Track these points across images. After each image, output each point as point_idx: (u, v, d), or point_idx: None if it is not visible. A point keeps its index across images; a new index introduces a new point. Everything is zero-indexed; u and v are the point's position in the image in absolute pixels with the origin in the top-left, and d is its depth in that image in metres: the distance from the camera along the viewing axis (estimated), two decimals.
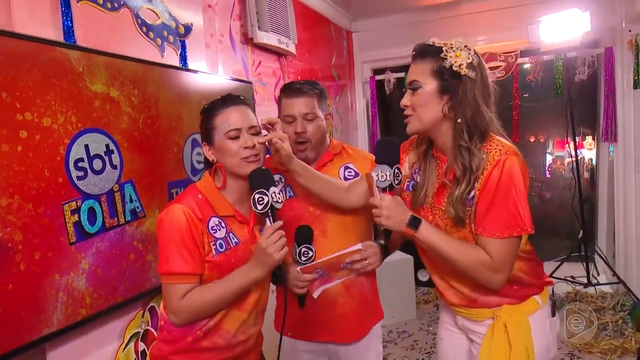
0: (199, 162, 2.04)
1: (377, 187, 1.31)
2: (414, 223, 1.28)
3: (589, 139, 4.94)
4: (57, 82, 1.38)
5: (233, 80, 2.37)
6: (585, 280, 3.90)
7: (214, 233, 1.29)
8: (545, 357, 1.37)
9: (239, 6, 2.64)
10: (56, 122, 1.38)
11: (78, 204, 1.44)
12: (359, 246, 1.50)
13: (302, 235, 1.52)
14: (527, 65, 4.13)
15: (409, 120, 1.33)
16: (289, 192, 1.64)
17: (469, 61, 1.25)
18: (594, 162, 4.76)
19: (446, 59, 1.25)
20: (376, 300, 1.74)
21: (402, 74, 4.39)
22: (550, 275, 3.93)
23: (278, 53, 3.03)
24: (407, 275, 3.83)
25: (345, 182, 1.57)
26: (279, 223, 1.26)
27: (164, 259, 1.25)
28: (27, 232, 1.28)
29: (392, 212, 1.28)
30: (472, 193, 1.26)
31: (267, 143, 1.39)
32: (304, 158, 1.56)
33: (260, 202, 1.25)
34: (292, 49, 3.06)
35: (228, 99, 1.36)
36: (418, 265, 4.05)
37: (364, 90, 4.67)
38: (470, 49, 1.28)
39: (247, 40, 2.70)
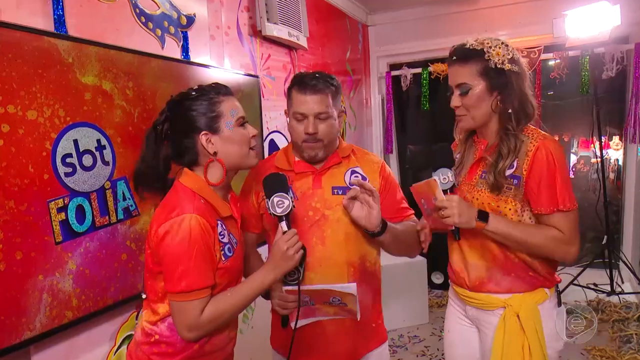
0: None
1: (442, 189, 1.36)
2: (484, 216, 1.34)
3: (615, 139, 4.72)
4: (43, 74, 1.32)
5: (237, 73, 2.28)
6: (608, 289, 3.71)
7: (221, 239, 1.21)
8: (555, 345, 1.42)
9: None
10: (42, 115, 1.31)
11: (65, 201, 1.38)
12: (352, 289, 1.32)
13: None
14: (552, 62, 3.95)
15: (462, 119, 1.43)
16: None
17: (510, 56, 1.36)
18: (620, 163, 4.55)
19: (490, 59, 1.35)
20: (378, 322, 1.56)
21: (418, 70, 4.25)
22: (572, 282, 3.77)
23: (288, 46, 2.94)
24: (419, 277, 3.71)
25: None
26: (295, 230, 1.26)
27: (177, 276, 1.12)
28: (8, 231, 1.22)
29: (462, 209, 1.32)
30: (511, 172, 1.36)
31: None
32: (312, 157, 1.44)
33: (280, 205, 1.25)
34: (303, 42, 2.96)
35: (222, 87, 1.25)
36: (432, 268, 3.92)
37: (379, 86, 4.54)
38: (507, 45, 1.37)
39: (256, 32, 2.61)
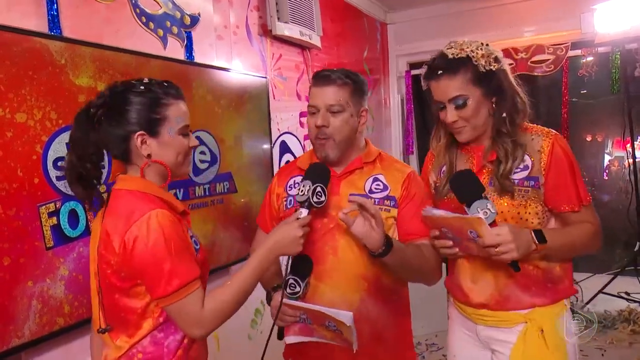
0: (202, 161, 1.92)
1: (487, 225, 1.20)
2: (541, 236, 1.24)
3: None
4: (34, 75, 1.29)
5: (244, 74, 2.23)
6: None
7: (188, 232, 1.15)
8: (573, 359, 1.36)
9: None
10: (32, 118, 1.29)
11: (57, 206, 1.35)
12: (346, 318, 1.19)
13: (297, 265, 1.28)
14: (584, 60, 3.76)
15: (462, 131, 1.34)
16: None
17: (494, 55, 1.30)
18: None
19: (478, 63, 1.28)
20: (403, 345, 1.41)
21: None
22: (601, 290, 3.58)
23: (301, 46, 2.88)
24: (439, 281, 3.58)
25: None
26: (310, 217, 1.22)
27: (166, 276, 1.03)
28: None
29: (519, 240, 1.20)
30: (525, 173, 1.30)
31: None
32: (323, 157, 1.35)
33: (319, 196, 1.22)
34: (316, 41, 2.89)
35: (173, 89, 1.15)
36: None
37: (398, 86, 4.43)
38: (485, 44, 1.31)
39: (266, 32, 2.56)
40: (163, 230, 1.03)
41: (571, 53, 3.71)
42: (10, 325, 1.23)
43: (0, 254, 1.21)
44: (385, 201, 1.35)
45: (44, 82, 1.31)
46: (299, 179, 1.40)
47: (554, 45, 3.71)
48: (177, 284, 1.04)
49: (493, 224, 1.20)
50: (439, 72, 1.29)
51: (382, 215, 1.29)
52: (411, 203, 1.37)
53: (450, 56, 1.29)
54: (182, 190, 1.81)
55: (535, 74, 3.78)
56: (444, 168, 1.44)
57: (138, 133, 1.08)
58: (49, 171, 1.33)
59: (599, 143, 5.24)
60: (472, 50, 1.28)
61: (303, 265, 1.28)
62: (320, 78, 1.35)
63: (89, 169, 1.10)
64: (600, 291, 3.59)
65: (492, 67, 1.28)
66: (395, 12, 4.29)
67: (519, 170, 1.31)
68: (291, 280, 1.27)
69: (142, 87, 1.11)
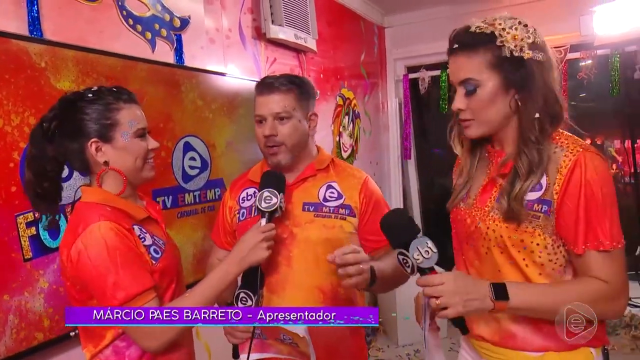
0: (192, 167, 1.87)
1: (422, 271, 1.02)
2: (501, 292, 0.99)
3: None
4: (11, 79, 1.24)
5: (236, 78, 2.18)
6: None
7: (143, 242, 1.10)
8: None
9: None
10: (9, 123, 1.23)
11: (36, 215, 1.29)
12: (302, 330, 1.13)
13: (247, 277, 1.19)
14: (583, 63, 3.72)
15: (470, 125, 1.11)
16: None
17: (530, 40, 1.03)
18: None
19: (504, 45, 1.02)
20: (358, 355, 1.38)
21: (437, 72, 4.08)
22: None
23: (296, 49, 2.83)
24: None
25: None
26: (273, 225, 1.18)
27: (110, 289, 1.01)
28: None
29: (464, 293, 0.98)
30: (538, 195, 1.04)
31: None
32: (275, 163, 1.32)
33: (268, 201, 1.18)
34: (311, 44, 2.84)
35: (125, 93, 1.13)
36: None
37: (396, 90, 4.39)
38: (526, 25, 1.05)
39: (260, 35, 2.51)
40: (106, 243, 1.01)
41: (570, 56, 3.67)
42: None
43: None
44: (340, 209, 1.33)
45: (22, 86, 1.26)
46: (251, 190, 1.39)
47: (553, 48, 3.66)
48: (123, 297, 1.01)
49: (433, 270, 1.02)
50: (455, 45, 1.09)
51: (335, 223, 1.30)
52: (374, 210, 1.35)
53: (474, 29, 1.06)
54: (170, 197, 1.75)
55: None
56: (463, 173, 1.22)
57: (92, 140, 1.08)
58: None
59: (599, 146, 5.20)
60: (503, 28, 1.04)
61: (253, 277, 1.21)
62: (264, 86, 1.32)
63: (46, 187, 1.10)
64: None
65: (522, 54, 1.02)
66: (392, 15, 4.25)
67: (531, 189, 1.06)
68: (242, 294, 1.20)
69: (90, 95, 1.09)
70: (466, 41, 1.07)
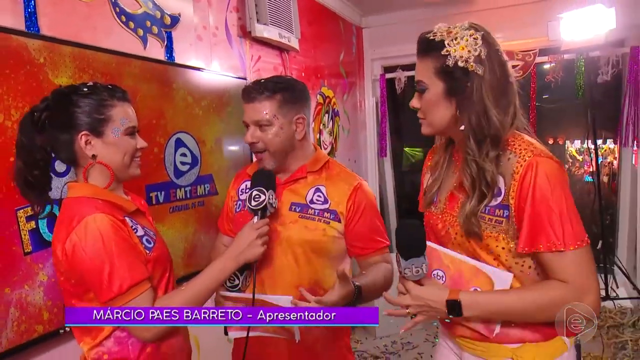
0: (183, 163, 1.90)
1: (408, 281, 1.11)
2: (455, 308, 1.06)
3: (610, 142, 4.69)
4: (11, 74, 1.25)
5: (224, 75, 2.22)
6: (603, 294, 3.67)
7: (136, 232, 1.14)
8: None
9: None
10: (9, 118, 1.25)
11: (36, 209, 1.30)
12: (287, 303, 1.21)
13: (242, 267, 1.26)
14: (547, 65, 3.91)
15: (422, 123, 1.18)
16: None
17: (476, 53, 1.05)
18: (615, 167, 4.51)
19: (449, 54, 1.05)
20: (342, 350, 1.45)
21: (413, 72, 4.18)
22: None
23: (279, 48, 2.87)
24: None
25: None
26: (267, 220, 1.24)
27: (106, 281, 1.03)
28: None
29: (423, 304, 1.09)
30: (498, 201, 1.07)
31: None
32: (263, 167, 1.36)
33: (257, 199, 1.22)
34: (294, 43, 2.89)
35: (119, 91, 1.15)
36: None
37: (373, 89, 4.49)
38: (477, 37, 1.06)
39: (245, 33, 2.55)
40: (101, 234, 1.04)
41: (539, 59, 3.85)
42: None
43: None
44: (325, 213, 1.35)
45: (22, 81, 1.27)
46: (248, 183, 1.44)
47: (523, 51, 3.84)
48: (118, 289, 1.04)
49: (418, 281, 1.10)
50: (417, 47, 1.14)
51: (318, 226, 1.33)
52: (362, 217, 1.37)
53: (429, 35, 1.11)
54: (162, 192, 1.78)
55: None
56: (436, 174, 1.26)
57: (82, 133, 1.09)
58: None
59: (560, 145, 5.44)
60: (454, 38, 1.06)
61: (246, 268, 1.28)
62: (245, 94, 1.35)
63: (36, 175, 1.11)
64: None
65: (467, 65, 1.05)
66: (370, 16, 4.34)
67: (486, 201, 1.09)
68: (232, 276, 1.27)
69: (85, 89, 1.11)
70: (422, 46, 1.13)
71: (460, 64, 1.05)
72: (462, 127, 1.08)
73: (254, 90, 1.33)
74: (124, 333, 1.12)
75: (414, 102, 1.16)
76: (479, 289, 1.10)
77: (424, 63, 1.11)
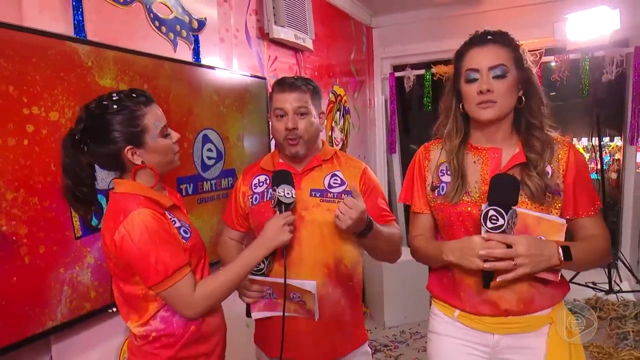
0: (209, 157, 2.03)
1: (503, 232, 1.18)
2: (568, 253, 1.19)
3: (617, 140, 4.78)
4: (65, 77, 1.38)
5: (246, 75, 2.35)
6: (606, 287, 3.78)
7: (174, 224, 1.27)
8: None
9: (255, 1, 2.61)
10: (64, 116, 1.38)
11: (86, 217, 1.44)
12: (311, 287, 1.37)
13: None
14: (553, 64, 4.00)
15: (490, 107, 1.26)
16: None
17: (530, 58, 1.33)
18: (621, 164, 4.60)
19: (524, 52, 1.29)
20: (357, 324, 1.58)
21: (421, 71, 4.31)
22: (570, 280, 3.82)
23: (295, 48, 3.00)
24: (422, 272, 3.73)
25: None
26: (291, 212, 1.37)
27: (153, 267, 1.16)
28: (32, 226, 1.29)
29: (536, 254, 1.17)
30: (546, 179, 1.27)
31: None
32: (294, 153, 1.49)
33: (288, 196, 1.36)
34: (309, 44, 3.02)
35: (142, 96, 1.23)
36: None
37: (382, 87, 4.60)
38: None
39: (263, 35, 2.68)
40: (146, 226, 1.16)
41: (545, 59, 3.95)
42: (45, 308, 1.33)
43: (36, 243, 1.30)
44: (343, 195, 1.49)
45: (74, 82, 1.41)
46: (262, 177, 1.58)
47: (530, 51, 3.92)
48: (163, 274, 1.17)
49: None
50: (489, 37, 1.28)
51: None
52: (372, 194, 1.55)
53: (500, 29, 1.30)
54: (191, 185, 1.92)
55: None
56: (447, 170, 1.38)
57: (127, 148, 1.20)
58: None
59: None
60: (518, 43, 1.31)
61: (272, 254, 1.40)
62: (287, 85, 1.49)
63: (85, 192, 1.24)
64: (569, 281, 3.84)
65: (529, 65, 1.30)
66: (380, 16, 4.45)
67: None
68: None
69: (115, 106, 1.19)
70: (500, 37, 1.29)
71: (527, 61, 1.29)
72: (532, 106, 1.30)
73: (296, 81, 1.50)
74: (168, 312, 1.25)
75: (490, 84, 1.24)
76: (543, 237, 1.23)
77: (504, 50, 1.27)
